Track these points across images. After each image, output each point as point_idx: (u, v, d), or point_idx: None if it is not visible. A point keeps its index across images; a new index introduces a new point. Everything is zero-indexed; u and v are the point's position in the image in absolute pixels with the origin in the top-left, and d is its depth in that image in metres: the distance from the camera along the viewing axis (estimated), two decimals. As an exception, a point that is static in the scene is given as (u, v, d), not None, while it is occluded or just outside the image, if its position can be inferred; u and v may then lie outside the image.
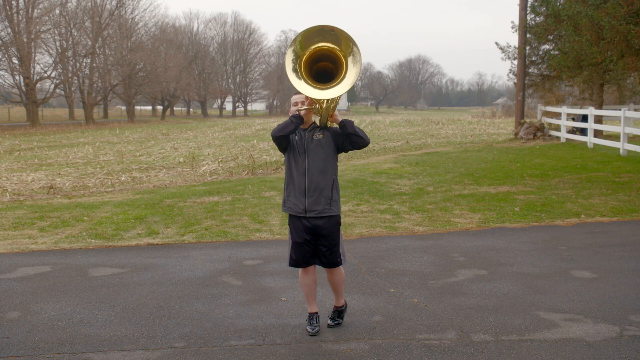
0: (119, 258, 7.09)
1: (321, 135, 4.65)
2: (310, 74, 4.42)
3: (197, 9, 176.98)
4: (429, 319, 5.05)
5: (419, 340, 4.62)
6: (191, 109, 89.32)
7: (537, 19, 21.01)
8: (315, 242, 4.70)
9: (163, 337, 4.72)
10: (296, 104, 4.67)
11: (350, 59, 4.33)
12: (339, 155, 4.84)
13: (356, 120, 49.82)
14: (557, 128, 21.59)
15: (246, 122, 48.31)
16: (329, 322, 4.93)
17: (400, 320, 5.04)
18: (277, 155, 18.24)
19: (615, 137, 18.88)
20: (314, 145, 4.63)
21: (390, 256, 7.06)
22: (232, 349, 4.50)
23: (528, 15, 21.55)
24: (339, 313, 4.97)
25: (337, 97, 4.47)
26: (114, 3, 53.20)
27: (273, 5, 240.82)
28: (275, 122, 48.67)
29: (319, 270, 5.07)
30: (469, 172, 13.79)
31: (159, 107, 72.27)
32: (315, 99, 4.47)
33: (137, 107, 79.87)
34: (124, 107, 65.32)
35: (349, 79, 4.32)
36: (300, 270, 4.83)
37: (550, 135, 21.64)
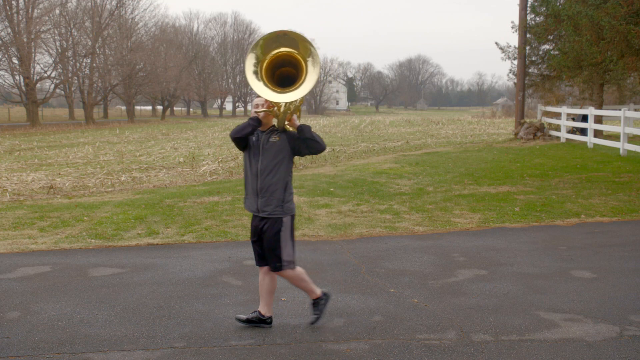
0: (119, 258, 7.09)
1: (277, 138, 4.71)
2: (272, 79, 4.56)
3: (197, 9, 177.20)
4: (429, 319, 5.05)
5: (419, 340, 4.62)
6: (191, 109, 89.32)
7: (537, 19, 21.01)
8: (262, 243, 4.80)
9: (163, 337, 4.72)
10: (257, 106, 4.73)
11: (310, 62, 4.48)
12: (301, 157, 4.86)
13: (356, 121, 49.86)
14: (557, 128, 21.59)
15: (246, 122, 48.21)
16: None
17: (400, 320, 5.04)
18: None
19: (615, 137, 18.88)
20: (269, 147, 4.70)
21: (390, 256, 7.06)
22: (232, 349, 4.50)
23: (528, 15, 21.54)
24: (317, 305, 4.94)
25: (297, 101, 4.60)
26: (114, 3, 53.21)
27: (273, 5, 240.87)
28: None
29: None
30: (469, 172, 13.79)
31: (159, 107, 72.27)
32: (274, 102, 4.58)
33: (137, 107, 79.89)
34: (124, 107, 65.32)
35: (309, 83, 4.47)
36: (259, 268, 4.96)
37: (550, 135, 21.64)
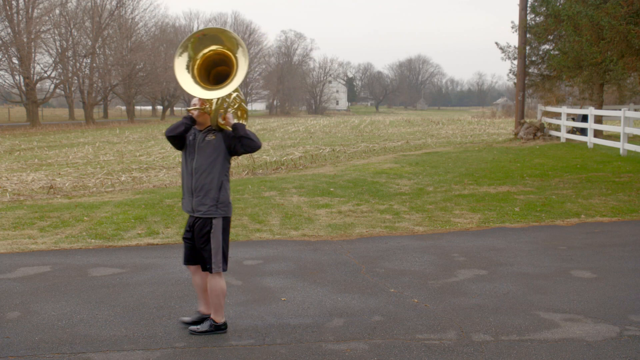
0: (119, 258, 7.09)
1: (213, 137, 4.68)
2: (207, 78, 4.58)
3: (197, 9, 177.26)
4: (429, 319, 5.05)
5: (419, 340, 4.62)
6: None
7: (537, 19, 21.02)
8: (193, 242, 4.77)
9: (163, 337, 4.72)
10: (194, 105, 4.71)
11: (240, 55, 4.48)
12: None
13: (356, 121, 49.85)
14: (557, 128, 21.59)
15: (246, 122, 48.21)
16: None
17: (400, 320, 5.04)
18: (277, 155, 18.25)
19: (615, 137, 18.88)
20: (204, 146, 4.67)
21: (390, 256, 7.06)
22: (232, 349, 4.50)
23: (528, 15, 21.55)
24: (210, 325, 4.77)
25: (231, 99, 4.64)
26: (114, 3, 53.21)
27: (273, 5, 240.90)
28: (275, 122, 48.69)
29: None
30: (469, 172, 13.79)
31: (159, 107, 72.27)
32: (205, 100, 4.59)
33: (137, 107, 79.83)
34: (124, 107, 65.33)
35: (238, 78, 4.45)
36: (189, 268, 4.93)
37: (550, 135, 21.65)
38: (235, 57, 4.50)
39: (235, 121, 4.75)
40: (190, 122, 4.66)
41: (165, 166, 17.01)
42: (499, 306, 5.36)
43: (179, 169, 16.11)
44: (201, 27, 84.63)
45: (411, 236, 8.11)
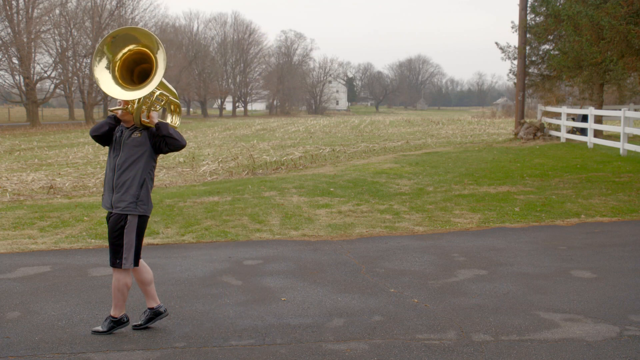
0: (119, 258, 7.08)
1: (139, 135, 4.73)
2: (130, 77, 4.62)
3: (197, 9, 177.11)
4: (429, 319, 5.05)
5: (419, 340, 4.62)
6: (191, 109, 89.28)
7: (537, 19, 21.02)
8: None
9: (163, 337, 4.72)
10: (120, 104, 4.73)
11: (159, 55, 4.48)
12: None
13: (356, 121, 49.84)
14: (557, 128, 21.59)
15: (246, 122, 48.33)
16: (94, 327, 4.88)
17: (400, 320, 5.04)
18: (277, 155, 18.25)
19: (615, 137, 18.88)
20: (129, 143, 4.71)
21: (390, 256, 7.06)
22: (232, 349, 4.50)
23: (528, 15, 21.55)
24: (109, 322, 4.80)
25: (154, 98, 4.66)
26: (114, 3, 53.18)
27: (273, 5, 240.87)
28: (275, 122, 48.70)
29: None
30: (469, 172, 13.79)
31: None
32: (125, 100, 4.62)
33: (137, 107, 79.74)
34: (124, 107, 65.22)
35: (157, 77, 4.46)
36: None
37: (550, 135, 21.65)
38: (155, 56, 4.50)
39: (159, 120, 4.77)
40: (114, 121, 4.77)
41: (165, 166, 17.01)
42: (499, 306, 5.36)
43: (179, 169, 16.12)
44: (201, 27, 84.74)
45: (411, 236, 8.11)
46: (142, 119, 4.69)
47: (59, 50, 48.31)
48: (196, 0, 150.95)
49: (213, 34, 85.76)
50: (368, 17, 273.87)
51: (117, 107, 4.68)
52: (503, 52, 22.79)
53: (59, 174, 15.65)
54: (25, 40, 42.16)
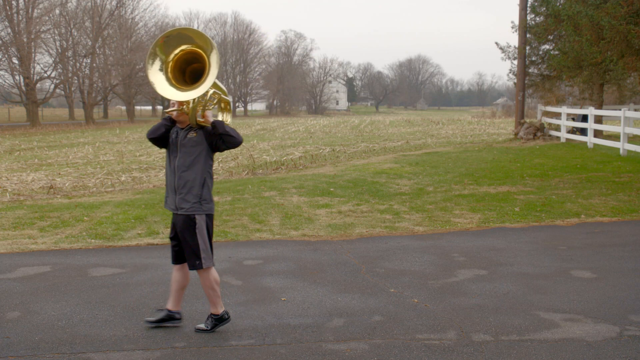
0: (119, 258, 7.09)
1: (194, 135, 4.73)
2: (182, 77, 4.62)
3: (197, 9, 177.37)
4: (429, 319, 5.05)
5: (419, 340, 4.62)
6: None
7: (537, 19, 21.02)
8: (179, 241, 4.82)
9: (163, 337, 4.72)
10: (173, 105, 4.76)
11: (213, 56, 4.48)
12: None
13: (356, 121, 49.84)
14: (557, 128, 21.59)
15: (246, 122, 48.31)
16: (197, 325, 4.88)
17: (400, 320, 5.04)
18: (277, 155, 18.25)
19: (615, 137, 18.87)
20: (186, 143, 4.72)
21: (390, 256, 7.06)
22: (232, 349, 4.50)
23: (528, 15, 21.55)
24: (211, 320, 4.84)
25: (207, 97, 4.66)
26: (114, 3, 53.22)
27: (273, 5, 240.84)
28: (275, 122, 48.67)
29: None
30: (469, 172, 13.79)
31: (159, 107, 72.25)
32: (180, 101, 4.64)
33: (137, 107, 79.79)
34: (124, 107, 65.32)
35: (210, 77, 4.45)
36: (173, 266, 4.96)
37: (550, 135, 21.64)
38: (207, 55, 4.49)
39: (214, 118, 4.78)
40: (169, 122, 4.79)
41: (165, 166, 17.00)
42: (499, 306, 5.36)
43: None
44: (201, 27, 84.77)
45: (411, 236, 8.11)
46: (197, 119, 4.69)
47: (59, 50, 48.33)
48: (196, 0, 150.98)
49: (213, 34, 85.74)
50: (368, 17, 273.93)
51: (173, 109, 4.70)
52: (503, 52, 22.80)
53: (59, 174, 15.65)
54: (25, 40, 42.17)
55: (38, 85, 48.07)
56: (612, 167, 14.04)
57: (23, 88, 44.56)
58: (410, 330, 4.82)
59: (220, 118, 5.08)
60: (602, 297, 5.55)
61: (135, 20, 58.39)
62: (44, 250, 7.48)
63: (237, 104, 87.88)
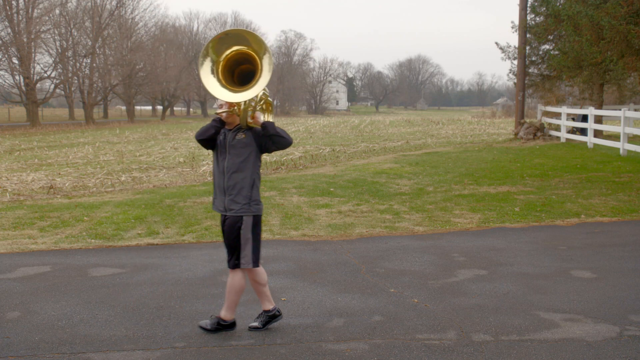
0: (119, 258, 7.09)
1: (243, 136, 4.71)
2: (231, 78, 4.59)
3: (197, 9, 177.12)
4: (429, 319, 5.05)
5: (419, 340, 4.62)
6: (191, 109, 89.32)
7: (537, 19, 21.02)
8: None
9: (163, 337, 4.72)
10: (221, 106, 4.74)
11: (265, 59, 4.48)
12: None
13: (356, 121, 49.84)
14: (557, 128, 21.59)
15: (246, 122, 48.20)
16: (201, 324, 4.85)
17: (400, 320, 5.04)
18: (277, 155, 18.26)
19: (615, 137, 18.87)
20: (235, 145, 4.69)
21: (390, 256, 7.06)
22: (232, 349, 4.50)
23: (528, 15, 21.55)
24: (219, 323, 4.80)
25: (257, 99, 4.64)
26: (114, 3, 53.21)
27: (273, 5, 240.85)
28: (275, 121, 48.57)
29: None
30: (469, 172, 13.79)
31: (159, 107, 72.28)
32: (232, 102, 4.61)
33: (137, 107, 79.82)
34: (124, 107, 65.33)
35: (264, 79, 4.45)
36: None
37: (550, 135, 21.64)
38: (260, 58, 4.49)
39: (264, 119, 4.77)
40: (219, 124, 4.72)
41: (165, 166, 17.01)
42: (499, 306, 5.36)
43: (179, 169, 16.12)
44: (201, 27, 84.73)
45: (411, 236, 8.11)
46: (248, 120, 4.68)
47: (59, 50, 48.33)
48: (196, 0, 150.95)
49: (213, 34, 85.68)
50: (368, 17, 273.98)
51: (223, 110, 4.66)
52: (503, 52, 22.80)
53: (59, 174, 15.65)
54: (25, 40, 42.17)
55: (38, 85, 48.07)
56: (612, 167, 14.04)
57: (23, 88, 44.55)
58: (410, 330, 4.82)
59: (261, 119, 5.01)
60: (602, 297, 5.55)
61: (135, 20, 58.40)
62: (44, 250, 7.48)
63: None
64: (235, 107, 4.65)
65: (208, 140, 4.74)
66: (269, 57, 4.46)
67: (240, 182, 4.65)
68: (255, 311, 5.28)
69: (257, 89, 4.44)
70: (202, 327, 4.81)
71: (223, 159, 4.70)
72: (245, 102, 4.57)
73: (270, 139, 4.68)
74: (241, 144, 4.68)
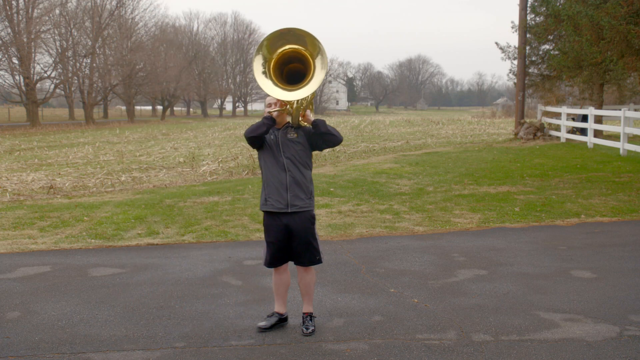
0: (119, 258, 7.09)
1: (295, 135, 4.76)
2: (280, 76, 4.55)
3: (197, 9, 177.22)
4: (429, 319, 5.05)
5: (419, 340, 4.62)
6: (191, 109, 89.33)
7: (537, 19, 21.01)
8: (290, 240, 4.76)
9: (163, 337, 4.72)
10: (270, 105, 4.76)
11: (318, 59, 4.47)
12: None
13: (356, 121, 49.80)
14: (557, 128, 21.58)
15: (246, 122, 48.33)
16: (303, 329, 4.79)
17: (400, 320, 5.04)
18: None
19: (615, 137, 18.87)
20: (288, 143, 4.73)
21: (390, 256, 7.06)
22: (232, 349, 4.50)
23: (528, 15, 21.54)
24: (310, 318, 4.87)
25: (308, 98, 4.62)
26: (114, 3, 53.22)
27: (273, 5, 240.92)
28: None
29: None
30: (469, 172, 13.79)
31: (159, 107, 72.28)
32: (285, 101, 4.60)
33: (137, 107, 79.86)
34: (124, 107, 65.34)
35: (317, 78, 4.45)
36: (274, 269, 4.91)
37: (550, 135, 21.64)
38: (313, 60, 4.49)
39: (314, 117, 4.80)
40: (271, 122, 4.70)
41: (165, 166, 17.02)
42: (499, 306, 5.36)
43: (179, 169, 16.12)
44: (201, 27, 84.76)
45: (411, 236, 8.11)
46: (299, 118, 4.73)
47: (59, 50, 48.33)
48: (196, 0, 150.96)
49: (213, 34, 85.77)
50: (368, 17, 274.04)
51: (276, 109, 4.68)
52: (503, 52, 22.79)
53: (59, 174, 15.65)
54: (25, 40, 42.17)
55: (38, 85, 48.07)
56: (612, 167, 14.04)
57: (23, 88, 44.55)
58: (410, 330, 4.82)
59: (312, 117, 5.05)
60: (602, 297, 5.55)
61: (135, 20, 58.41)
62: (44, 250, 7.49)
63: (237, 104, 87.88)
64: (287, 106, 4.68)
65: (258, 138, 4.70)
66: (322, 57, 4.45)
67: (299, 178, 4.71)
68: (256, 311, 5.28)
69: (311, 88, 4.44)
70: (309, 334, 4.75)
71: (280, 157, 4.73)
72: (297, 100, 4.57)
73: (322, 137, 4.72)
74: (294, 142, 4.73)
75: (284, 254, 4.81)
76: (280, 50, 4.49)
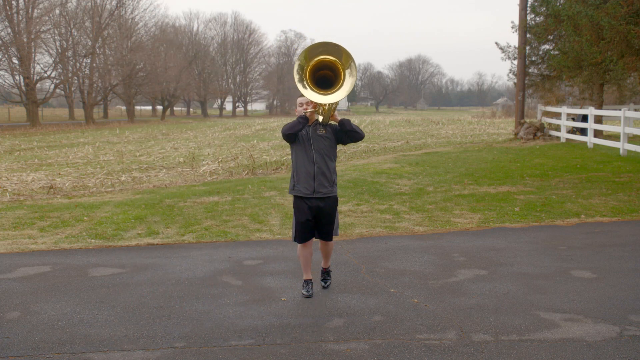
0: (119, 258, 7.09)
1: (324, 131, 5.55)
2: (313, 81, 5.27)
3: (197, 9, 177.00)
4: (429, 319, 5.05)
5: (419, 340, 4.62)
6: (191, 109, 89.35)
7: (537, 19, 21.01)
8: (316, 220, 5.58)
9: (163, 337, 4.72)
10: (301, 104, 5.52)
11: (347, 71, 5.21)
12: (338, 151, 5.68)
13: (356, 120, 49.86)
14: (557, 128, 21.59)
15: (246, 122, 48.33)
16: (322, 283, 5.92)
17: (400, 320, 5.04)
18: (277, 156, 18.27)
19: (615, 137, 18.88)
20: (318, 138, 5.52)
21: (390, 256, 7.06)
22: (232, 349, 4.50)
23: (528, 15, 21.54)
24: (328, 273, 5.97)
25: (337, 101, 5.33)
26: (114, 3, 53.24)
27: (273, 5, 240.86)
28: (275, 122, 48.63)
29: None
30: (469, 172, 13.79)
31: (159, 107, 72.30)
32: (320, 103, 5.34)
33: (137, 107, 79.89)
34: (124, 107, 65.36)
35: (347, 85, 5.20)
36: (300, 244, 5.68)
37: (550, 135, 21.64)
38: (343, 71, 5.19)
39: (340, 117, 5.58)
40: (305, 121, 5.47)
41: (165, 166, 17.02)
42: (499, 306, 5.36)
43: (179, 169, 16.12)
44: (201, 27, 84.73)
45: (411, 236, 8.11)
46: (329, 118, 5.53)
47: (59, 50, 48.34)
48: (196, 0, 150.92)
49: (213, 34, 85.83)
50: (368, 17, 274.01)
51: (310, 109, 5.43)
52: (503, 52, 22.79)
53: (59, 174, 15.65)
54: (25, 40, 42.17)
55: (38, 85, 48.08)
56: (612, 167, 14.04)
57: (23, 88, 44.56)
58: (410, 330, 4.82)
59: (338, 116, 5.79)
60: (602, 297, 5.55)
61: (135, 20, 58.44)
62: (44, 250, 7.49)
63: (237, 104, 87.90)
64: (320, 107, 5.41)
65: (294, 134, 5.47)
66: (353, 67, 5.17)
67: (326, 168, 5.52)
68: (256, 311, 5.28)
69: (342, 93, 5.16)
70: (325, 287, 5.90)
71: (310, 150, 5.50)
72: (330, 104, 5.28)
73: (347, 134, 5.55)
74: (324, 137, 5.54)
75: (311, 231, 5.61)
76: (317, 58, 5.19)
